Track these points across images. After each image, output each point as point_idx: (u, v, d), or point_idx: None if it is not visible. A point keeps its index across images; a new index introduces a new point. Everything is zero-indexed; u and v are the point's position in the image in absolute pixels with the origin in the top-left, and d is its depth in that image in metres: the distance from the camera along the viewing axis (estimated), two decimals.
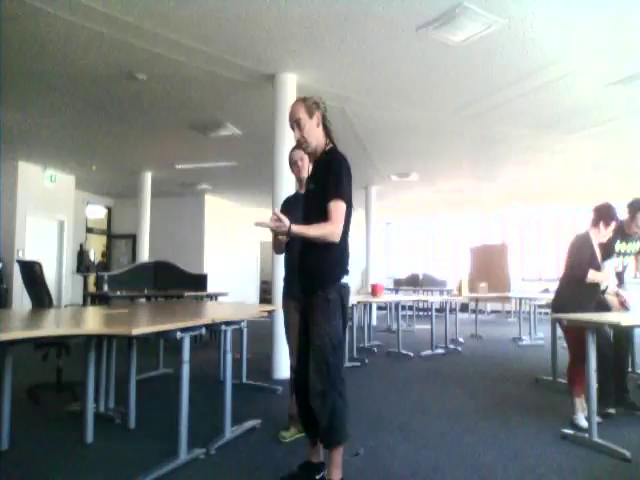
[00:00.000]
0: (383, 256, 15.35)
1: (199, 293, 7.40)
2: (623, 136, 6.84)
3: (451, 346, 6.84)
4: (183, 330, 2.54)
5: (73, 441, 2.97)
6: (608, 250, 3.71)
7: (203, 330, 2.76)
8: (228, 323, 3.07)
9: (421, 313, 11.64)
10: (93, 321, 3.03)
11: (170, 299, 6.64)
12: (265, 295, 12.71)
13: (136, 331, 2.23)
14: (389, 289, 12.64)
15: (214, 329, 3.06)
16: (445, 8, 3.66)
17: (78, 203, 10.43)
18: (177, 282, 7.59)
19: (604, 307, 3.73)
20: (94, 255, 11.44)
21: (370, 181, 10.17)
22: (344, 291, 2.28)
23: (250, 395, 4.17)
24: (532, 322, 7.96)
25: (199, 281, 7.95)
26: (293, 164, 3.07)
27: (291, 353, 3.01)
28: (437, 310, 7.44)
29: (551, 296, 4.01)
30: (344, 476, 2.27)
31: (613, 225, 3.51)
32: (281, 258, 3.19)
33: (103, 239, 12.47)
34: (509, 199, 12.11)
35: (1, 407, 2.87)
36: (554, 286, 3.93)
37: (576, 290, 3.50)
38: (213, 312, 3.61)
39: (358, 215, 12.01)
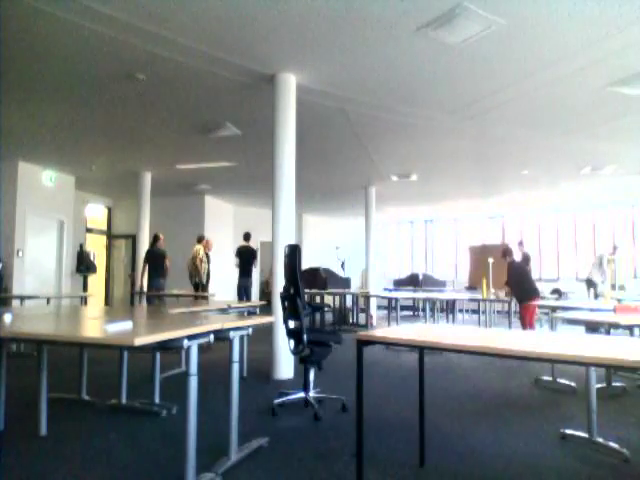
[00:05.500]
0: (382, 256, 15.33)
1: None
2: (622, 136, 6.83)
3: None
4: (190, 338, 2.26)
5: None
6: None
7: (211, 337, 2.44)
8: (237, 329, 2.72)
9: (421, 313, 11.60)
10: None
11: None
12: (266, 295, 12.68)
13: (139, 341, 1.95)
14: (388, 289, 12.64)
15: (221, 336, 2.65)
16: (445, 8, 3.66)
17: (78, 203, 10.42)
18: None
19: None
20: (94, 255, 11.44)
21: (370, 181, 10.15)
22: None
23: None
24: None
25: None
26: None
27: None
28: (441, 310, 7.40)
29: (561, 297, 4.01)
30: None
31: None
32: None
33: (103, 239, 12.46)
34: (509, 199, 12.11)
35: None
36: (558, 286, 3.93)
37: None
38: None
39: (357, 215, 12.03)
